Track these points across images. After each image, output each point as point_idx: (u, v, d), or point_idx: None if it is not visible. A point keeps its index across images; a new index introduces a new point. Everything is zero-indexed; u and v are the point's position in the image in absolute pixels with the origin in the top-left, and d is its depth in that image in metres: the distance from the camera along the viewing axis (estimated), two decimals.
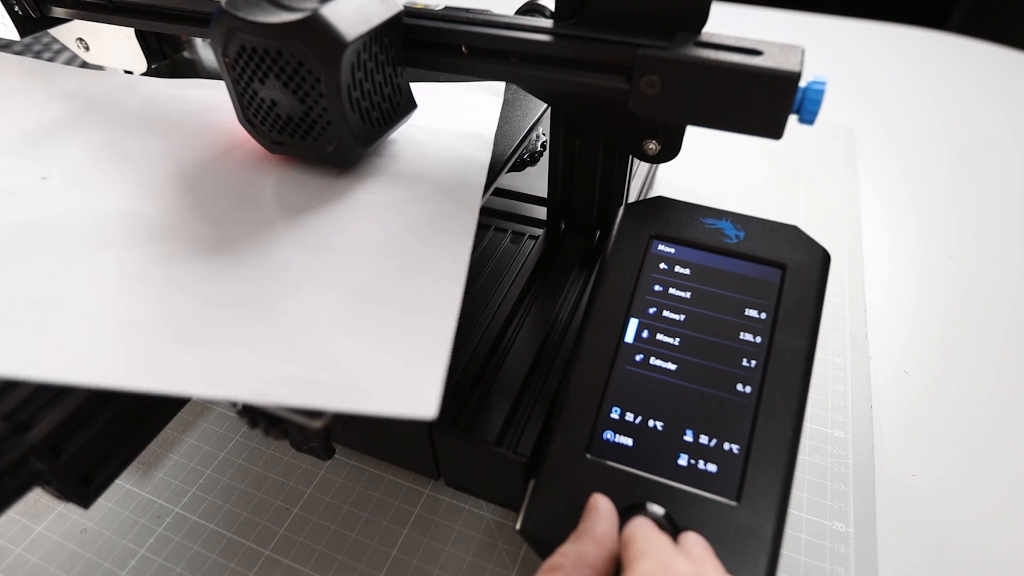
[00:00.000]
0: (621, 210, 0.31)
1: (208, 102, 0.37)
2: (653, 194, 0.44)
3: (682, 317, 0.28)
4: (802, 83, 0.24)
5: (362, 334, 0.23)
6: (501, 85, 0.39)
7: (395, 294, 0.25)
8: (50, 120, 0.36)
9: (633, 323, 0.28)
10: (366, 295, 0.25)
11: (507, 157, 0.35)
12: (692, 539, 0.23)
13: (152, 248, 0.27)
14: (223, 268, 0.26)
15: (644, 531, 0.22)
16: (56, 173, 0.31)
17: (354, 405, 0.21)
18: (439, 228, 0.28)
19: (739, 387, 0.27)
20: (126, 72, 0.45)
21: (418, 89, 0.35)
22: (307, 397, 0.21)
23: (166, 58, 0.46)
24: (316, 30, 0.26)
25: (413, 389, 0.21)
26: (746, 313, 0.28)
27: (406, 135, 0.35)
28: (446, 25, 0.29)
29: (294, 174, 0.32)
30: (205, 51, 0.49)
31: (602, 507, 0.24)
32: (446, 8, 0.31)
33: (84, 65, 0.47)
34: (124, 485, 0.34)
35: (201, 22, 0.35)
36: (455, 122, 0.36)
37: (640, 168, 0.45)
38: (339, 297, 0.25)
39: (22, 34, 0.41)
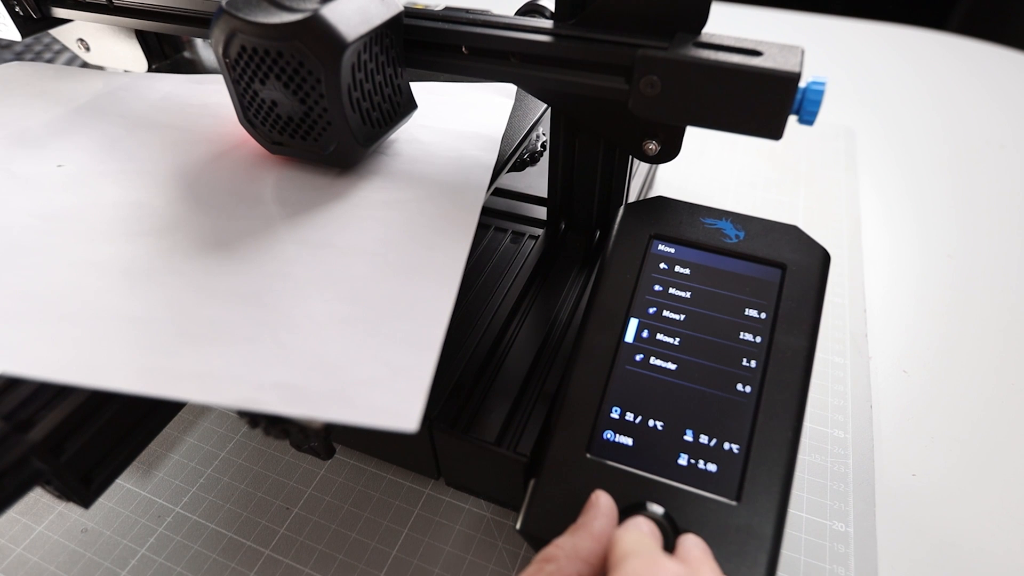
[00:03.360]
0: (621, 210, 0.31)
1: (223, 99, 0.38)
2: (653, 194, 0.44)
3: (682, 317, 0.28)
4: (802, 83, 0.24)
5: (352, 337, 0.23)
6: (512, 87, 0.39)
7: (388, 296, 0.25)
8: (73, 115, 0.36)
9: (633, 323, 0.29)
10: (360, 296, 0.25)
11: (507, 157, 0.35)
12: (691, 541, 0.23)
13: (153, 241, 0.27)
14: (221, 263, 0.26)
15: (631, 532, 0.22)
16: (71, 161, 0.32)
17: (339, 415, 0.21)
18: (437, 230, 0.28)
19: (739, 387, 0.27)
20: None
21: (428, 88, 0.35)
22: (294, 405, 0.21)
23: (166, 58, 0.46)
24: (316, 31, 0.26)
25: (397, 400, 0.21)
26: (746, 313, 0.28)
27: (412, 134, 0.35)
28: (446, 26, 0.30)
29: (296, 173, 0.32)
30: (205, 51, 0.49)
31: (603, 503, 0.24)
32: (446, 8, 0.31)
33: (85, 65, 0.47)
34: (124, 485, 0.34)
35: (201, 22, 0.35)
36: (463, 122, 0.36)
37: (640, 168, 0.45)
38: (333, 297, 0.25)
39: (23, 34, 0.41)
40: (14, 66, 0.42)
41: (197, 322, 0.24)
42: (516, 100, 0.39)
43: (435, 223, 0.29)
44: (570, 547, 0.22)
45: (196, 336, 0.23)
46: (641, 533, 0.22)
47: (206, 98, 0.38)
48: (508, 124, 0.37)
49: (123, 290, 0.25)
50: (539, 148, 0.43)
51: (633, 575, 0.20)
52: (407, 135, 0.35)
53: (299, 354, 0.23)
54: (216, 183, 0.31)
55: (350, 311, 0.24)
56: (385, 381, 0.22)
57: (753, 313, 0.28)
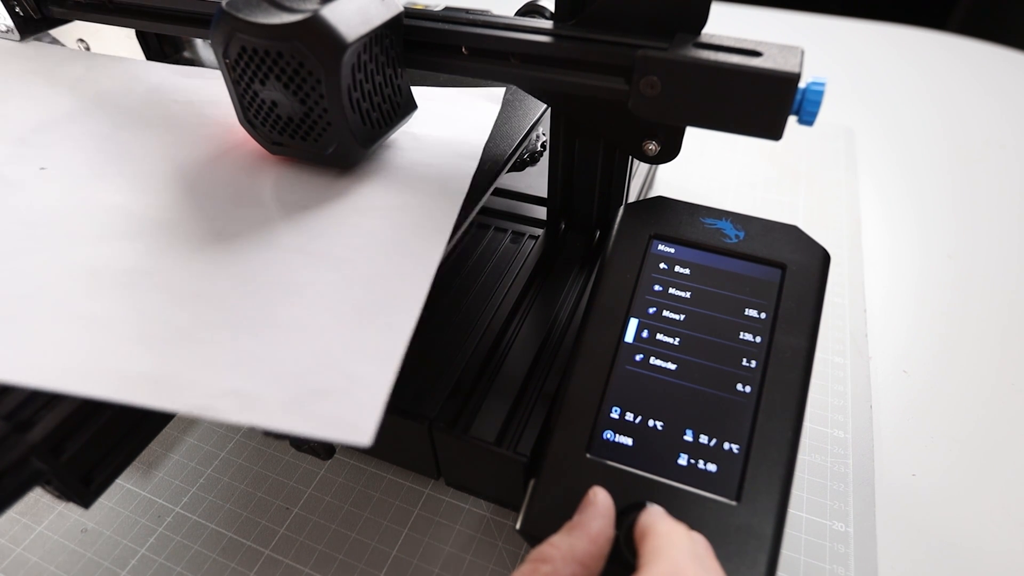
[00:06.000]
0: (621, 210, 0.31)
1: (211, 93, 0.37)
2: (653, 194, 0.44)
3: (682, 317, 0.28)
4: (801, 84, 0.24)
5: (313, 344, 0.23)
6: (500, 91, 0.39)
7: (353, 304, 0.25)
8: (53, 109, 0.35)
9: (633, 323, 0.29)
10: (325, 303, 0.25)
11: (507, 157, 0.35)
12: (696, 540, 0.23)
13: (125, 244, 0.27)
14: (191, 266, 0.26)
15: (662, 524, 0.22)
16: (54, 164, 0.31)
17: (293, 426, 0.21)
18: (409, 240, 0.28)
19: (739, 387, 0.27)
20: None
21: (415, 93, 0.35)
22: (248, 413, 0.21)
23: (166, 58, 0.46)
24: (316, 31, 0.26)
25: (352, 413, 0.21)
26: (746, 313, 0.28)
27: (398, 140, 0.34)
28: (446, 26, 0.30)
29: (290, 172, 0.31)
30: (205, 51, 0.49)
31: (600, 502, 0.24)
32: (446, 9, 0.31)
33: None
34: (124, 485, 0.34)
35: (202, 23, 0.35)
36: (448, 128, 0.36)
37: (640, 168, 0.45)
38: (298, 302, 0.25)
39: (23, 35, 0.41)
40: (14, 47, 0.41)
41: (158, 324, 0.23)
42: (516, 100, 0.39)
43: (410, 232, 0.28)
44: (566, 547, 0.22)
45: (155, 339, 0.23)
46: (672, 524, 0.22)
47: (192, 94, 0.37)
48: (508, 124, 0.37)
49: (87, 292, 0.25)
50: (539, 148, 0.43)
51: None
52: (394, 140, 0.34)
53: (256, 360, 0.22)
54: (205, 183, 0.31)
55: (313, 318, 0.24)
56: (341, 392, 0.21)
57: (753, 313, 0.28)
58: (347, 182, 0.31)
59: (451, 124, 0.36)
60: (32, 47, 0.41)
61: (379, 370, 0.22)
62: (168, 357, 0.22)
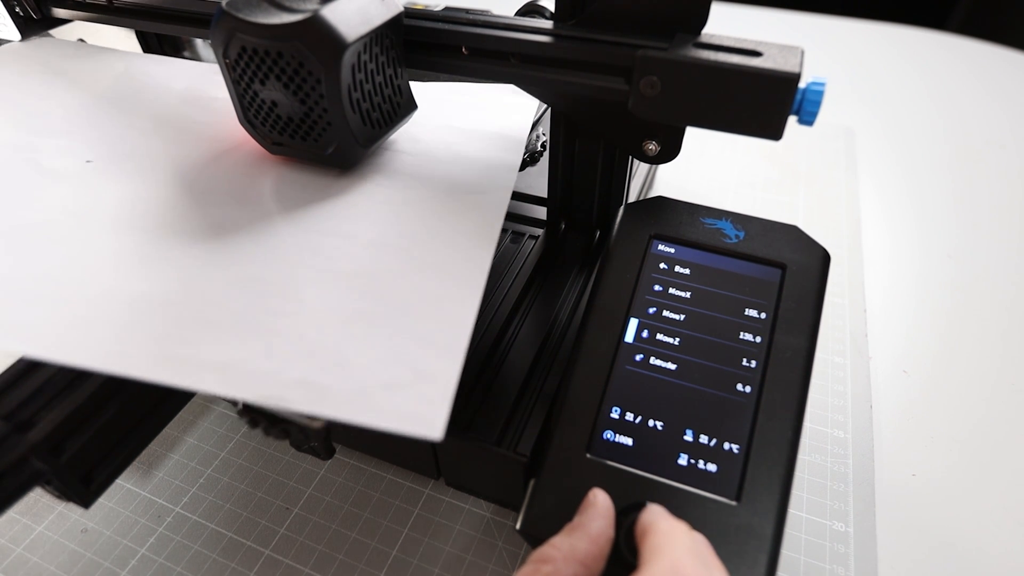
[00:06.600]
0: (621, 210, 0.31)
1: None
2: (653, 194, 0.44)
3: (682, 317, 0.28)
4: (802, 84, 0.24)
5: (373, 335, 0.23)
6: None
7: (409, 293, 0.24)
8: (96, 104, 0.36)
9: (633, 323, 0.29)
10: (380, 290, 0.25)
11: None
12: (697, 539, 0.23)
13: (175, 231, 0.27)
14: (239, 251, 0.26)
15: (662, 523, 0.22)
16: (99, 156, 0.32)
17: (362, 418, 0.20)
18: (461, 230, 0.28)
19: (739, 387, 0.27)
20: None
21: (451, 88, 0.35)
22: (318, 404, 0.21)
23: None
24: (316, 31, 0.26)
25: (422, 406, 0.21)
26: (746, 313, 0.28)
27: (434, 133, 0.34)
28: (446, 26, 0.30)
29: (296, 173, 0.32)
30: (206, 51, 0.49)
31: (600, 503, 0.24)
32: (446, 9, 0.31)
33: None
34: (124, 485, 0.34)
35: (202, 23, 0.35)
36: (487, 122, 0.35)
37: (640, 168, 0.45)
38: (355, 290, 0.24)
39: (23, 35, 0.41)
40: (32, 43, 0.42)
41: (217, 308, 0.23)
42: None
43: (458, 223, 0.28)
44: (567, 548, 0.22)
45: (216, 324, 0.23)
46: (672, 521, 0.22)
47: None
48: None
49: (142, 275, 0.25)
50: (539, 148, 0.43)
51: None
52: (429, 134, 0.34)
53: (322, 350, 0.22)
54: (240, 178, 0.31)
55: (370, 306, 0.24)
56: (409, 385, 0.21)
57: (753, 313, 0.28)
58: (389, 174, 0.31)
59: (490, 118, 0.36)
60: (73, 47, 0.42)
61: (446, 363, 0.22)
62: (230, 343, 0.22)
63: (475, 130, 0.35)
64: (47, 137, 0.33)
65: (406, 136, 0.34)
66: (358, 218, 0.28)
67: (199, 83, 0.38)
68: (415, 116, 0.33)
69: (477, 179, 0.31)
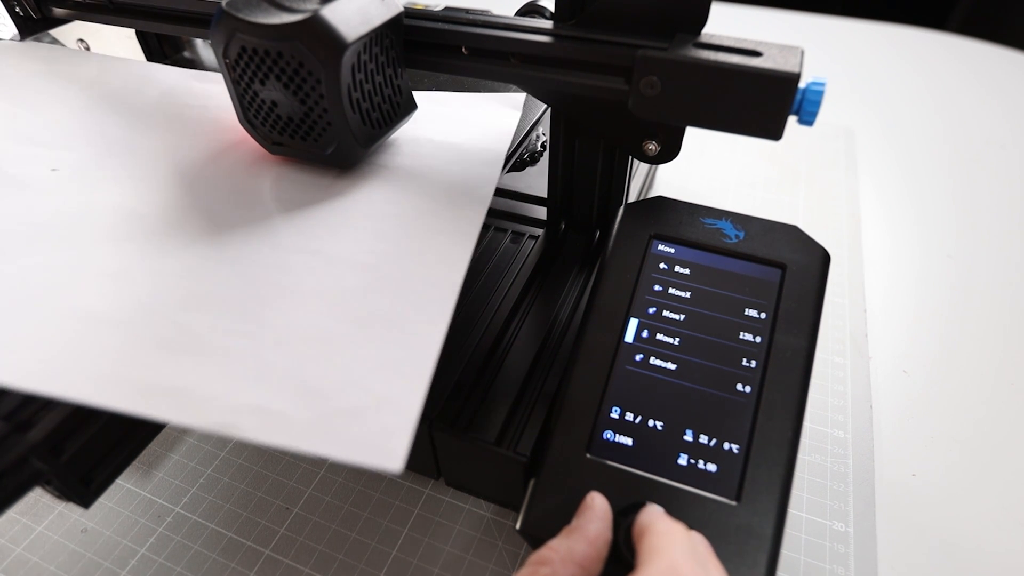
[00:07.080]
0: (621, 210, 0.31)
1: (226, 98, 0.37)
2: (653, 194, 0.44)
3: (682, 317, 0.28)
4: (801, 84, 0.24)
5: (337, 358, 0.22)
6: (520, 97, 0.38)
7: (379, 313, 0.24)
8: (66, 109, 0.35)
9: (633, 323, 0.29)
10: (349, 311, 0.24)
11: (507, 157, 0.35)
12: (695, 539, 0.23)
13: (144, 244, 0.27)
14: (209, 268, 0.25)
15: (660, 523, 0.22)
16: (66, 165, 0.31)
17: (319, 448, 0.19)
18: (434, 245, 0.27)
19: (739, 387, 0.27)
20: None
21: (433, 98, 0.35)
22: (272, 433, 0.20)
23: (167, 58, 0.46)
24: (316, 31, 0.26)
25: (382, 437, 0.20)
26: (746, 313, 0.28)
27: (416, 145, 0.34)
28: (446, 26, 0.30)
29: (296, 173, 0.32)
30: (205, 51, 0.49)
31: (597, 505, 0.24)
32: (446, 9, 0.31)
33: None
34: (124, 485, 0.34)
35: (202, 23, 0.35)
36: (468, 134, 0.35)
37: (640, 168, 0.45)
38: (321, 310, 0.24)
39: (23, 35, 0.41)
40: (2, 47, 0.41)
41: (176, 329, 0.22)
42: None
43: (433, 238, 0.27)
44: (565, 550, 0.22)
45: (173, 345, 0.22)
46: (670, 522, 0.22)
47: (207, 99, 0.38)
48: None
49: (103, 294, 0.24)
50: (539, 148, 0.43)
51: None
52: (412, 144, 0.34)
53: (280, 374, 0.21)
54: (215, 185, 0.31)
55: (337, 327, 0.23)
56: (369, 412, 0.20)
57: (753, 313, 0.28)
58: (374, 184, 0.31)
59: (470, 129, 0.35)
60: (45, 48, 0.41)
61: (408, 389, 0.21)
62: (184, 365, 0.21)
63: (455, 143, 0.34)
64: (12, 143, 0.32)
65: (394, 147, 0.34)
66: (332, 232, 0.27)
67: (174, 89, 0.38)
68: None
69: (454, 194, 0.30)
